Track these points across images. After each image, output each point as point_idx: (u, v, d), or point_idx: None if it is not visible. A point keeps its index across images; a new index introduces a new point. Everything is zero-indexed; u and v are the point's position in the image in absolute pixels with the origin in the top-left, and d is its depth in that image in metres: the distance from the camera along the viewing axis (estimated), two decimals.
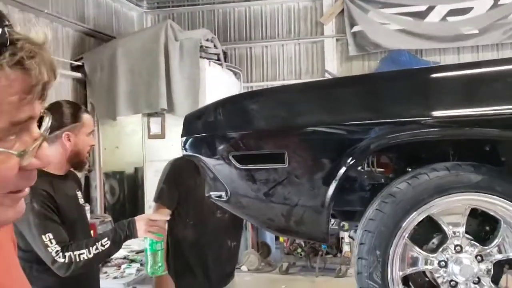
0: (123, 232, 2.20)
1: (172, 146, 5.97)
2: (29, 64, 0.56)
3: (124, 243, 2.26)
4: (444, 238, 1.80)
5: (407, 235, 1.75)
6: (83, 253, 2.09)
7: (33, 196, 2.05)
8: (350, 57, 8.17)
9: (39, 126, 0.65)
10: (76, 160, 2.29)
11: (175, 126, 6.45)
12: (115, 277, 3.41)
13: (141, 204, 7.17)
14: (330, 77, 7.89)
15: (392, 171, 2.12)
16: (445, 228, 1.77)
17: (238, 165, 1.86)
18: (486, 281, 1.73)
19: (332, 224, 2.36)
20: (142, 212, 6.96)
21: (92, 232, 2.95)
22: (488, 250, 1.74)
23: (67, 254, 2.07)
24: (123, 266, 3.60)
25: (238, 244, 2.96)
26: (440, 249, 1.77)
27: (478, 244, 1.75)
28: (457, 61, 7.67)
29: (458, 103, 1.77)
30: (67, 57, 6.68)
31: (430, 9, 7.76)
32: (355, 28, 8.02)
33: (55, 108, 2.18)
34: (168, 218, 2.56)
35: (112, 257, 3.83)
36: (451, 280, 1.74)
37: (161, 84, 6.28)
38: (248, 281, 6.11)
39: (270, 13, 8.48)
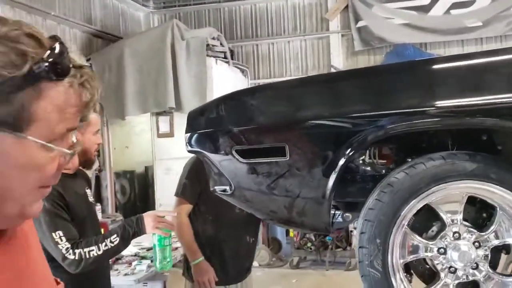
0: (131, 229, 2.25)
1: (181, 144, 6.03)
2: (88, 85, 0.73)
3: (134, 240, 2.32)
4: (442, 226, 1.84)
5: (406, 224, 1.80)
6: (92, 250, 2.15)
7: None
8: (355, 52, 8.20)
9: None
10: (84, 159, 2.36)
11: (183, 124, 6.49)
12: (126, 274, 3.49)
13: (152, 202, 7.26)
14: None
15: (392, 162, 2.17)
16: (443, 216, 1.82)
17: (241, 159, 1.92)
18: (484, 266, 1.78)
19: (337, 217, 2.41)
20: (153, 208, 7.05)
21: (102, 230, 3.04)
22: (486, 236, 1.79)
23: (77, 251, 2.12)
24: (133, 263, 3.67)
25: (256, 239, 3.02)
26: (439, 237, 1.82)
27: (475, 231, 1.80)
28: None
29: (455, 93, 1.81)
30: None
31: (434, 2, 7.75)
32: (360, 23, 8.04)
33: None
34: (175, 214, 2.63)
35: (123, 254, 3.91)
36: (450, 267, 1.79)
37: (169, 83, 6.35)
38: (260, 276, 6.17)
39: (276, 10, 8.52)
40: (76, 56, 0.73)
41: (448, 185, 1.76)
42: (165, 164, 6.74)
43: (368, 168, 2.21)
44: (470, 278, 1.78)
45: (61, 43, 0.69)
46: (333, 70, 8.01)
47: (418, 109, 1.79)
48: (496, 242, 1.80)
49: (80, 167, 2.44)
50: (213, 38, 6.94)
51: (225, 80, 6.92)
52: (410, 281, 1.90)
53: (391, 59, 7.67)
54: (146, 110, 6.63)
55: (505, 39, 7.54)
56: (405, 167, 1.81)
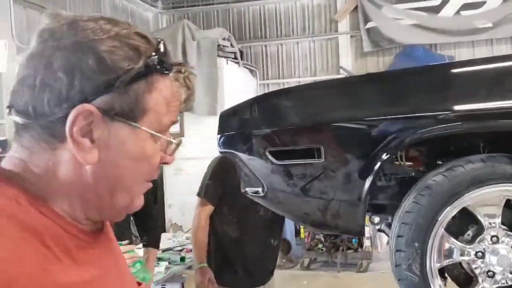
0: None
1: (192, 144, 6.02)
2: (189, 81, 0.77)
3: None
4: (480, 229, 1.82)
5: (444, 227, 1.78)
6: None
7: None
8: (364, 53, 8.19)
9: None
10: None
11: (194, 124, 6.52)
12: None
13: (160, 202, 7.24)
14: (345, 73, 7.91)
15: (422, 165, 2.15)
16: (481, 219, 1.80)
17: (275, 160, 1.90)
18: None
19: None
20: (162, 210, 7.03)
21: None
22: None
23: None
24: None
25: (280, 242, 2.99)
26: (477, 240, 1.80)
27: None
28: (471, 55, 7.66)
29: (492, 96, 1.79)
30: None
31: (444, 3, 7.74)
32: (369, 24, 8.03)
33: None
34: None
35: (140, 255, 3.90)
36: (489, 271, 1.77)
37: None
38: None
39: (285, 11, 8.51)
40: None
41: (488, 188, 1.74)
42: (175, 164, 6.68)
43: (397, 171, 2.19)
44: (509, 283, 1.76)
45: (165, 42, 0.76)
46: (342, 72, 8.00)
47: (456, 113, 1.78)
48: None
49: None
50: (224, 39, 6.93)
51: (235, 80, 6.91)
52: (445, 285, 1.89)
53: (401, 60, 7.66)
54: None
55: None
56: (443, 170, 1.79)
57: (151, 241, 2.98)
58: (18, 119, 0.70)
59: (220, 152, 2.12)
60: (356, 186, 1.85)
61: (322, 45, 8.43)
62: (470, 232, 1.89)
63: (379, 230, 2.80)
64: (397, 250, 1.80)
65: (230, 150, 2.04)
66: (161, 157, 0.76)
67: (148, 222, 2.97)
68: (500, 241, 1.78)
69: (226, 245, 2.83)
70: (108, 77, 0.68)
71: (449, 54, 7.71)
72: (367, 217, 2.46)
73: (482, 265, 1.78)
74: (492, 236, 1.79)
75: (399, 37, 7.90)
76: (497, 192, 1.77)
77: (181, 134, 6.67)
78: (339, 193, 1.89)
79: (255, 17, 8.58)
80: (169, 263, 3.68)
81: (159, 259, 3.80)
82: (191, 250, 3.66)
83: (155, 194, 6.16)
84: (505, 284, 1.76)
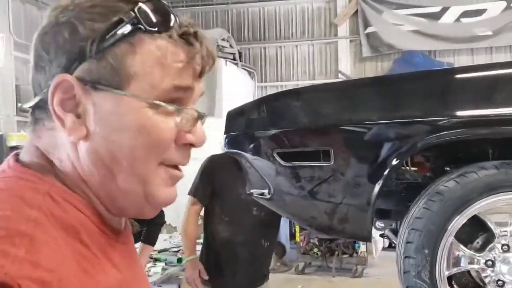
0: None
1: None
2: (191, 38, 0.65)
3: None
4: (490, 237, 1.79)
5: (454, 234, 1.74)
6: None
7: None
8: (363, 58, 8.18)
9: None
10: None
11: None
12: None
13: None
14: (343, 78, 7.89)
15: (429, 170, 2.11)
16: (492, 227, 1.77)
17: (282, 162, 1.86)
18: None
19: None
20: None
21: None
22: None
23: None
24: (148, 265, 3.60)
25: (272, 244, 2.95)
26: (487, 249, 1.76)
27: None
28: (470, 62, 7.67)
29: (505, 102, 1.76)
30: None
31: (444, 10, 7.76)
32: (369, 29, 8.02)
33: None
34: None
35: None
36: (498, 280, 1.73)
37: None
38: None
39: (284, 13, 8.48)
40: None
41: (501, 196, 1.71)
42: None
43: (403, 176, 2.15)
44: None
45: (158, 0, 0.65)
46: (340, 76, 7.99)
47: (469, 118, 1.75)
48: None
49: None
50: (223, 39, 6.90)
51: (233, 81, 6.87)
52: None
53: (400, 66, 7.67)
54: None
55: None
56: (456, 176, 1.75)
57: (149, 238, 2.95)
58: (29, 105, 0.66)
59: (226, 153, 2.07)
60: (365, 191, 1.81)
61: (321, 48, 8.42)
62: (479, 240, 1.85)
63: (382, 236, 2.77)
64: (406, 257, 1.76)
65: (236, 150, 2.00)
66: (179, 135, 0.66)
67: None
68: (511, 250, 1.75)
69: (218, 245, 2.80)
70: (81, 44, 0.62)
71: (448, 61, 7.73)
72: None
73: (492, 274, 1.75)
74: (503, 245, 1.75)
75: (399, 43, 7.90)
76: (510, 199, 1.74)
77: None
78: (348, 197, 1.85)
79: (254, 19, 8.55)
80: (166, 264, 3.63)
81: (156, 260, 3.75)
82: None
83: None
84: None
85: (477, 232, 1.85)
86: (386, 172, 1.78)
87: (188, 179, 2.94)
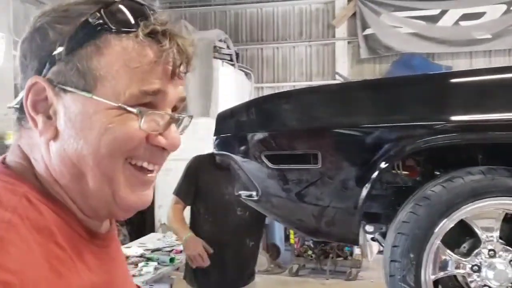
0: None
1: (186, 145, 5.97)
2: (159, 36, 0.64)
3: (138, 241, 2.24)
4: (476, 243, 1.79)
5: (440, 239, 1.74)
6: None
7: None
8: (361, 60, 8.18)
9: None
10: None
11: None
12: (133, 275, 3.41)
13: (151, 203, 7.17)
14: (341, 79, 7.89)
15: (419, 174, 2.11)
16: (479, 233, 1.77)
17: (270, 164, 1.86)
18: None
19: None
20: (151, 211, 6.96)
21: None
22: None
23: None
24: (140, 265, 3.59)
25: (257, 244, 2.96)
26: (473, 254, 1.76)
27: None
28: (469, 65, 7.67)
29: (495, 108, 1.76)
30: None
31: (443, 13, 7.75)
32: (367, 31, 8.02)
33: None
34: None
35: (129, 254, 3.83)
36: (484, 285, 1.73)
37: None
38: (257, 283, 6.06)
39: (282, 14, 8.48)
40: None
41: (487, 201, 1.71)
42: (165, 164, 6.62)
43: (394, 180, 2.15)
44: None
45: (129, 0, 0.65)
46: (337, 77, 7.98)
47: (457, 123, 1.75)
48: None
49: None
50: (220, 40, 6.90)
51: (230, 82, 6.87)
52: None
53: (398, 68, 7.66)
54: None
55: None
56: (442, 180, 1.75)
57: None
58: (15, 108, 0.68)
59: (215, 154, 2.07)
60: (352, 194, 1.82)
61: (318, 50, 8.42)
62: (466, 245, 1.85)
63: (373, 239, 2.77)
64: (391, 260, 1.76)
65: (225, 152, 2.00)
66: (151, 136, 0.66)
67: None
68: (497, 255, 1.75)
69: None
70: (51, 48, 0.63)
71: (447, 64, 7.72)
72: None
73: (478, 279, 1.75)
74: (490, 250, 1.75)
75: (397, 45, 7.89)
76: (496, 205, 1.74)
77: None
78: (335, 200, 1.85)
79: (252, 20, 8.55)
80: (158, 263, 3.62)
81: (149, 259, 3.74)
82: (181, 251, 3.62)
83: None
84: None
85: (464, 237, 1.86)
86: (373, 176, 1.79)
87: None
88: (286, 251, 6.87)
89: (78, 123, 0.64)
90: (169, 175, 5.77)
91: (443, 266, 1.80)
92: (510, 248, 1.75)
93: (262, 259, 6.64)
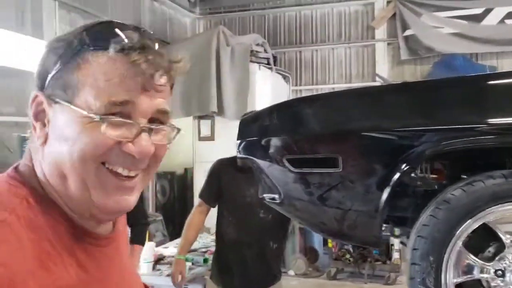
0: None
1: (221, 148, 6.08)
2: (130, 52, 0.71)
3: (174, 242, 2.33)
4: (501, 247, 1.77)
5: (461, 243, 1.74)
6: None
7: None
8: (401, 61, 8.05)
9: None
10: None
11: (224, 128, 6.57)
12: (168, 275, 3.51)
13: (190, 204, 7.31)
14: (381, 81, 7.80)
15: (446, 178, 2.10)
16: (502, 237, 1.75)
17: (292, 168, 1.90)
18: None
19: (383, 230, 2.36)
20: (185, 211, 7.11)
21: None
22: None
23: None
24: None
25: (282, 246, 2.99)
26: (497, 258, 1.75)
27: None
28: None
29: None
30: None
31: (487, 11, 7.52)
32: (407, 32, 7.88)
33: None
34: None
35: (165, 255, 3.95)
36: None
37: (212, 88, 6.42)
38: (295, 286, 6.13)
39: (321, 17, 8.47)
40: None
41: (508, 205, 1.69)
42: (204, 166, 6.74)
43: (420, 183, 2.15)
44: None
45: (111, 21, 0.74)
46: (377, 79, 7.90)
47: (476, 126, 1.74)
48: None
49: None
50: (257, 45, 6.96)
51: (267, 85, 6.93)
52: None
53: (439, 69, 7.50)
54: (190, 113, 6.72)
55: None
56: (463, 184, 1.75)
57: (136, 238, 3.05)
58: None
59: (239, 158, 2.13)
60: (373, 197, 1.83)
61: (358, 51, 8.35)
62: (491, 249, 1.83)
63: (402, 243, 2.76)
64: (412, 263, 1.77)
65: (248, 156, 2.05)
66: (122, 143, 0.72)
67: (133, 218, 3.02)
68: None
69: (226, 246, 2.88)
70: (49, 67, 0.74)
71: (491, 65, 7.49)
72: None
73: (501, 284, 1.73)
74: None
75: (438, 46, 7.71)
76: None
77: (211, 137, 6.75)
78: (356, 204, 1.87)
79: (290, 23, 8.58)
80: (193, 263, 3.72)
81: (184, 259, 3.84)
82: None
83: None
84: None
85: (489, 241, 1.84)
86: (394, 179, 1.80)
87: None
88: (324, 255, 6.86)
89: (60, 130, 0.72)
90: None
91: (466, 270, 1.79)
92: None
93: (300, 262, 6.66)
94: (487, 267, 1.75)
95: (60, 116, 0.73)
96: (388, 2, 8.05)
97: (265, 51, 7.10)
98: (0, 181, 0.75)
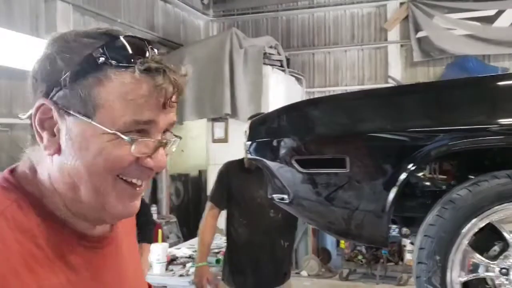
0: None
1: (235, 150, 6.13)
2: (154, 73, 0.72)
3: (187, 242, 2.38)
4: (505, 246, 1.80)
5: (467, 242, 1.77)
6: None
7: None
8: (414, 63, 8.04)
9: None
10: None
11: (238, 130, 6.61)
12: (180, 275, 3.58)
13: (204, 205, 7.35)
14: (394, 83, 7.81)
15: (454, 178, 2.13)
16: (507, 236, 1.78)
17: (300, 169, 1.95)
18: None
19: (393, 231, 2.39)
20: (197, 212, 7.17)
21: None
22: None
23: None
24: (188, 265, 3.77)
25: (292, 244, 3.04)
26: (502, 257, 1.77)
27: None
28: None
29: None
30: None
31: (499, 13, 7.49)
32: (420, 34, 7.88)
33: None
34: None
35: (178, 255, 4.02)
36: None
37: (226, 90, 6.48)
38: (308, 286, 6.16)
39: (334, 19, 8.50)
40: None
41: None
42: (218, 168, 6.84)
43: (428, 183, 2.18)
44: None
45: (131, 36, 0.74)
46: (390, 81, 7.90)
47: (484, 126, 1.77)
48: None
49: None
50: (271, 47, 7.02)
51: (280, 88, 6.97)
52: None
53: (452, 71, 7.49)
54: (203, 115, 6.78)
55: None
56: (468, 184, 1.78)
57: (144, 237, 3.10)
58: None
59: (249, 159, 2.18)
60: (380, 197, 1.87)
61: (370, 53, 8.36)
62: (496, 248, 1.86)
63: (411, 243, 2.78)
64: (418, 262, 1.81)
65: (258, 157, 2.10)
66: (141, 158, 0.75)
67: (140, 218, 3.07)
68: None
69: (238, 247, 2.93)
70: (58, 75, 0.72)
71: (503, 66, 7.46)
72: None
73: (506, 282, 1.76)
74: None
75: (451, 48, 7.70)
76: None
77: (225, 139, 6.80)
78: (363, 204, 1.91)
79: (303, 25, 8.62)
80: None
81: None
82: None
83: None
84: None
85: (493, 240, 1.86)
86: (400, 179, 1.83)
87: None
88: (337, 256, 6.88)
89: (77, 143, 0.73)
90: None
91: (472, 269, 1.82)
92: None
93: (313, 263, 6.69)
94: (492, 265, 1.78)
95: (76, 128, 0.73)
96: (401, 4, 8.05)
97: (278, 53, 7.15)
98: None
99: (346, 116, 1.91)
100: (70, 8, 5.79)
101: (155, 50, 0.76)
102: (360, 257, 6.36)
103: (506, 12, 7.41)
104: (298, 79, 7.89)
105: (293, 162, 1.94)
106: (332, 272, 6.76)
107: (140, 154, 0.74)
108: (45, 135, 0.75)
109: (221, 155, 6.75)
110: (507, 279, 1.76)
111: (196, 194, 8.13)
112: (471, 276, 1.81)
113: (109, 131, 0.72)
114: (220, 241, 4.50)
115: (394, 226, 2.36)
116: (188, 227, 7.55)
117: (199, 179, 8.17)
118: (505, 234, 1.78)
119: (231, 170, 2.94)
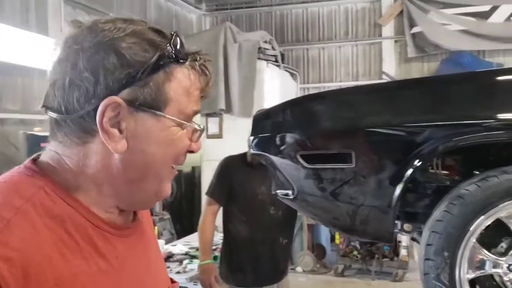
0: None
1: (230, 145, 6.08)
2: (205, 68, 0.81)
3: (183, 239, 2.33)
4: None
5: (475, 238, 1.74)
6: None
7: None
8: (409, 58, 8.04)
9: None
10: None
11: (232, 126, 6.58)
12: (177, 272, 3.54)
13: (197, 202, 7.33)
14: (388, 79, 7.79)
15: (458, 174, 2.11)
16: None
17: (305, 164, 1.91)
18: None
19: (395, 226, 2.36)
20: (199, 210, 7.12)
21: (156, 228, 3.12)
22: None
23: None
24: (184, 262, 3.73)
25: (290, 241, 3.01)
26: (510, 253, 1.75)
27: None
28: None
29: None
30: None
31: (494, 9, 7.50)
32: (415, 29, 7.87)
33: None
34: None
35: (174, 252, 3.97)
36: None
37: (220, 85, 6.41)
38: (303, 282, 6.14)
39: (327, 14, 8.46)
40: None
41: None
42: (212, 165, 6.70)
43: (431, 179, 2.15)
44: None
45: (178, 34, 0.80)
46: (384, 77, 7.89)
47: (489, 121, 1.74)
48: None
49: None
50: (265, 42, 6.96)
51: (275, 83, 6.93)
52: None
53: (447, 66, 7.49)
54: None
55: None
56: (477, 180, 1.75)
57: None
58: (53, 118, 0.77)
59: (252, 154, 2.14)
60: (386, 193, 1.84)
61: (365, 49, 8.34)
62: (504, 244, 1.84)
63: (412, 239, 2.76)
64: (426, 259, 1.78)
65: (262, 152, 2.06)
66: (189, 145, 0.82)
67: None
68: None
69: (237, 244, 2.88)
70: (128, 71, 0.74)
71: (498, 62, 7.48)
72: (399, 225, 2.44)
73: None
74: None
75: (446, 43, 7.70)
76: None
77: (219, 135, 6.75)
78: (369, 199, 1.88)
79: (297, 21, 8.58)
80: None
81: (193, 257, 3.87)
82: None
83: None
84: None
85: (501, 236, 1.84)
86: (407, 175, 1.80)
87: None
88: (332, 252, 6.87)
89: (148, 138, 0.77)
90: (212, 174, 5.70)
91: (480, 265, 1.80)
92: None
93: (308, 259, 6.67)
94: (500, 262, 1.76)
95: (146, 124, 0.76)
96: None
97: (273, 48, 7.11)
98: (18, 172, 0.77)
99: (352, 111, 1.87)
100: (61, 1, 5.70)
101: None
102: (355, 252, 6.36)
103: (501, 7, 7.42)
104: (292, 75, 7.85)
105: (298, 157, 1.90)
106: (327, 268, 6.74)
107: (194, 141, 0.83)
108: (114, 132, 0.75)
109: (215, 151, 6.70)
110: None
111: (189, 190, 8.08)
112: (479, 273, 1.78)
113: (181, 122, 0.79)
114: (216, 238, 4.46)
115: (396, 222, 2.33)
116: (182, 224, 7.50)
117: (193, 175, 8.11)
118: None
119: (233, 165, 2.88)
